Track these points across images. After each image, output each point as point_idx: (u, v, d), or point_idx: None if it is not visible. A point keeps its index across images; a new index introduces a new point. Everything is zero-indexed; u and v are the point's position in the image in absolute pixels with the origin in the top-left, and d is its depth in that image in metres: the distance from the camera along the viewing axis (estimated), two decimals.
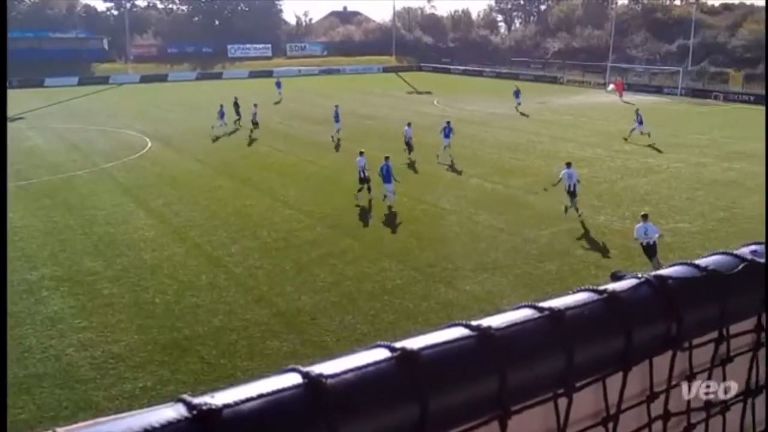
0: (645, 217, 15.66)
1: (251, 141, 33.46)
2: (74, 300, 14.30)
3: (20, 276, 15.50)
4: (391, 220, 20.07)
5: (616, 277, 1.13)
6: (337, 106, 33.97)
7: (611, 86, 56.76)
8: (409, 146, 28.07)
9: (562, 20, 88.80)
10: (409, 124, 28.95)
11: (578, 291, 1.04)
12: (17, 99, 54.07)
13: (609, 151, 30.64)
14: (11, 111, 46.01)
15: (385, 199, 20.87)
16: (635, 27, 76.47)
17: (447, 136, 28.33)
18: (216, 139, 34.27)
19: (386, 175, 20.72)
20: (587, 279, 15.21)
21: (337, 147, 31.77)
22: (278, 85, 53.96)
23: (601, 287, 1.05)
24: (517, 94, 45.41)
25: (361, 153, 22.23)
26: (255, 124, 35.13)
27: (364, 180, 21.61)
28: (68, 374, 11.33)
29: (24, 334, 12.65)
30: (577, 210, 19.96)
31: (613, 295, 1.03)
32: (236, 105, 37.39)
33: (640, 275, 1.11)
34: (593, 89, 60.50)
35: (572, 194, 20.16)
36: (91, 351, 12.05)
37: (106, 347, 12.20)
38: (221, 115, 34.97)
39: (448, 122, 29.15)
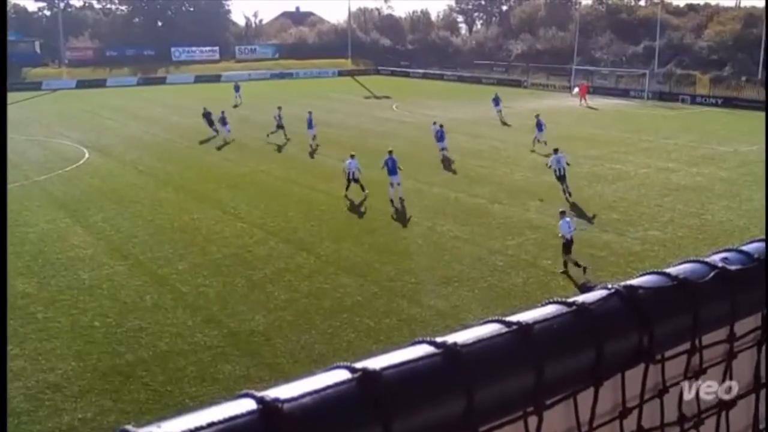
0: (563, 213, 17.01)
1: (207, 149, 33.08)
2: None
3: None
4: (349, 233, 20.06)
5: (585, 288, 1.15)
6: (310, 113, 34.13)
7: (576, 90, 57.87)
8: (355, 180, 23.47)
9: (525, 21, 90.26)
10: (352, 156, 23.78)
11: (547, 304, 1.05)
12: None
13: (575, 157, 31.06)
14: None
15: (394, 188, 22.70)
16: (600, 28, 78.17)
17: (441, 139, 29.99)
18: (162, 148, 33.81)
19: (392, 168, 22.60)
20: (555, 291, 15.43)
21: (312, 154, 31.78)
22: (237, 88, 53.51)
23: (570, 299, 1.06)
24: (497, 101, 43.75)
25: (353, 156, 23.48)
26: (281, 128, 35.14)
27: (352, 181, 23.14)
28: None
29: None
30: (569, 194, 23.11)
31: (583, 307, 1.04)
32: (207, 115, 36.49)
33: (609, 286, 1.13)
34: (558, 93, 61.57)
35: (562, 179, 23.28)
36: (24, 381, 11.70)
37: (41, 376, 11.87)
38: (223, 122, 34.71)
39: (441, 126, 30.72)
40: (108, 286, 16.02)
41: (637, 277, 1.20)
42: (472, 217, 21.50)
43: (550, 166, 23.64)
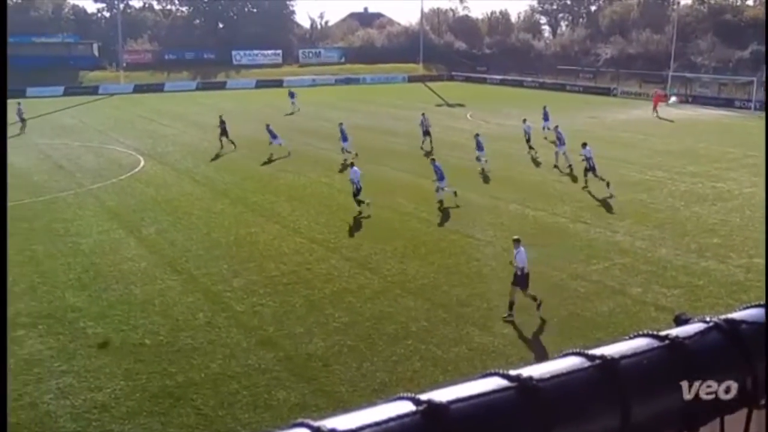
0: (518, 241, 15.87)
1: (267, 161, 33.74)
2: (54, 340, 14.43)
3: None
4: (415, 252, 20.06)
5: (680, 320, 1.11)
6: (341, 124, 34.51)
7: (673, 99, 56.59)
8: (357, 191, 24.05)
9: (616, 23, 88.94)
10: (352, 164, 25.61)
11: (635, 336, 1.03)
12: None
13: (671, 173, 30.44)
14: None
15: (441, 192, 24.59)
16: (701, 31, 76.29)
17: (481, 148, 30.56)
18: (216, 157, 34.69)
19: (440, 174, 24.70)
20: (645, 323, 15.02)
21: (343, 167, 32.05)
22: (291, 95, 54.75)
23: (663, 332, 1.03)
24: (546, 116, 40.62)
25: (352, 164, 24.50)
26: (427, 134, 35.95)
27: (358, 193, 23.69)
28: (45, 425, 11.39)
29: None
30: (605, 181, 25.78)
31: (677, 341, 1.02)
32: (223, 125, 36.66)
33: (708, 319, 1.10)
34: (651, 102, 60.27)
35: (593, 169, 26.48)
36: (71, 399, 12.12)
37: (89, 395, 12.27)
38: (272, 135, 34.47)
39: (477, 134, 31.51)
40: (160, 302, 16.47)
41: (739, 310, 1.16)
42: (551, 237, 21.20)
43: (585, 159, 26.80)
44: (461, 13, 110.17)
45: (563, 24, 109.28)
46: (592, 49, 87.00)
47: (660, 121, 48.62)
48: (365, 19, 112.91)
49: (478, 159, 30.54)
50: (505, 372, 0.89)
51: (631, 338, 1.02)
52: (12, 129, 44.23)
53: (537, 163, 32.71)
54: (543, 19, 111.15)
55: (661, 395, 0.97)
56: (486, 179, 29.20)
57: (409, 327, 15.03)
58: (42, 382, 12.69)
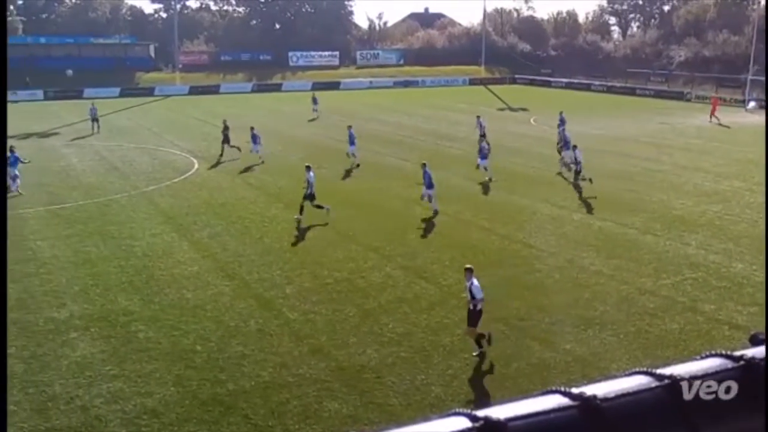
0: (470, 270, 14.32)
1: (317, 166, 34.03)
2: (105, 344, 14.80)
3: (47, 314, 16.19)
4: (474, 261, 19.90)
5: (756, 340, 1.08)
6: (350, 127, 34.77)
7: (752, 104, 55.09)
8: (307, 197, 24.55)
9: (691, 23, 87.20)
10: (308, 167, 25.03)
11: (707, 356, 1.00)
12: (53, 112, 57.24)
13: (749, 183, 29.62)
14: (46, 125, 48.68)
15: (426, 200, 24.85)
16: None
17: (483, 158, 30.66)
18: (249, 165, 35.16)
19: (428, 181, 24.63)
20: (718, 341, 14.65)
21: (349, 172, 32.44)
22: (314, 101, 53.61)
23: (737, 353, 1.01)
24: (562, 121, 37.81)
25: (308, 167, 24.77)
26: (483, 136, 36.54)
27: (310, 197, 24.14)
28: (95, 430, 11.67)
29: (49, 380, 13.16)
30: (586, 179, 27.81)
31: (752, 363, 0.99)
32: (226, 130, 36.27)
33: None
34: (728, 107, 58.86)
35: (579, 172, 28.55)
36: (122, 404, 12.40)
37: (139, 400, 12.53)
38: (351, 140, 34.10)
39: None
40: (212, 307, 16.74)
41: None
42: (618, 249, 20.85)
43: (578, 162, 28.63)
44: (526, 13, 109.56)
45: (634, 25, 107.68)
46: (665, 51, 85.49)
47: (741, 127, 47.41)
48: (426, 19, 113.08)
49: (477, 167, 30.23)
50: (567, 389, 0.88)
51: (702, 358, 1.00)
52: (85, 129, 45.86)
53: (604, 171, 32.21)
54: (612, 20, 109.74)
55: (734, 420, 0.94)
56: (552, 187, 28.89)
57: (466, 340, 14.95)
58: (93, 385, 13.02)
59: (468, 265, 14.75)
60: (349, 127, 34.99)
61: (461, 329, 15.04)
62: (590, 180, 28.09)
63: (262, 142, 34.98)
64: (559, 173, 31.17)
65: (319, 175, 31.82)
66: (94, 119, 45.79)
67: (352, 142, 33.83)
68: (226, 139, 36.33)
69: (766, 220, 21.51)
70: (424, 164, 25.22)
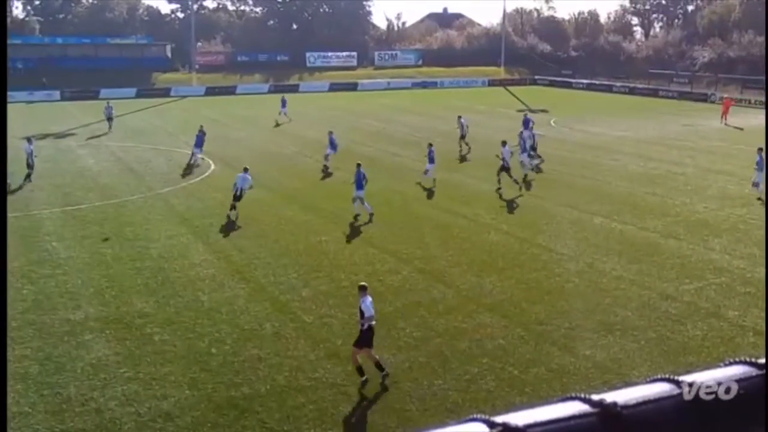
0: (364, 288, 13.56)
1: (336, 168, 34.15)
2: (120, 346, 14.90)
3: (62, 315, 16.31)
4: (493, 265, 19.91)
5: None
6: (331, 132, 34.71)
7: None
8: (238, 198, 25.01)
9: (715, 24, 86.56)
10: (246, 170, 25.66)
11: (731, 363, 1.00)
12: (68, 112, 57.72)
13: None
14: (62, 125, 49.12)
15: (357, 202, 24.42)
16: None
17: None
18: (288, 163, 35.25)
19: (358, 182, 24.47)
20: (743, 348, 14.52)
21: (323, 173, 32.62)
22: (283, 103, 52.07)
23: (762, 360, 1.00)
24: (527, 123, 37.24)
25: (246, 170, 25.34)
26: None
27: (238, 198, 24.61)
28: None
29: (63, 382, 13.26)
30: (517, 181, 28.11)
31: None
32: (201, 134, 35.17)
33: None
34: (754, 109, 58.39)
35: (507, 170, 28.01)
36: (136, 406, 12.47)
37: (154, 403, 12.60)
38: (332, 143, 34.12)
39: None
40: (227, 310, 16.80)
41: None
42: (640, 254, 20.72)
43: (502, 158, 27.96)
44: (546, 13, 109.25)
45: (657, 25, 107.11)
46: (688, 52, 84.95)
47: (735, 130, 46.97)
48: (444, 19, 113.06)
49: (425, 172, 29.75)
50: (587, 396, 0.88)
51: (726, 365, 0.99)
52: (101, 129, 46.32)
53: (625, 174, 32.06)
54: (635, 20, 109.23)
55: (759, 430, 0.94)
56: (572, 190, 28.76)
57: (485, 345, 14.90)
58: (108, 387, 13.10)
59: (362, 283, 13.97)
60: (330, 132, 34.96)
61: (479, 334, 15.00)
62: (516, 181, 28.26)
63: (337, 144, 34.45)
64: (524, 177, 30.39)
65: (337, 177, 31.94)
66: (109, 118, 46.36)
67: (332, 147, 33.83)
68: (198, 146, 34.59)
69: (767, 221, 21.30)
70: (359, 164, 25.06)
